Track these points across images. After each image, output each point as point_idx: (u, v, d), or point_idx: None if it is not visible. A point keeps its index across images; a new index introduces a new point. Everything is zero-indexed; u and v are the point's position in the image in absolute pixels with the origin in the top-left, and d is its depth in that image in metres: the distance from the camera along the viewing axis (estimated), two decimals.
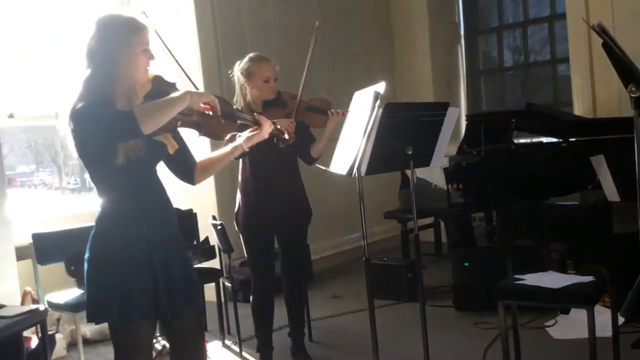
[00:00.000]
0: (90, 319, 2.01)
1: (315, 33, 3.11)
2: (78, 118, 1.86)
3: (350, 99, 2.83)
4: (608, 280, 2.88)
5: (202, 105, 1.99)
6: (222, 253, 3.84)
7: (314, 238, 5.24)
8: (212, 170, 2.26)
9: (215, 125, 2.14)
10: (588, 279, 2.86)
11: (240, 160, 3.16)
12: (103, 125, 1.82)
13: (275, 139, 2.50)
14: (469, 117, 4.80)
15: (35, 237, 3.62)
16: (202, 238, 3.96)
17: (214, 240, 3.84)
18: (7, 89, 4.21)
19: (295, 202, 3.25)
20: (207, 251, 3.85)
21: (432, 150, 2.81)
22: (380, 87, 2.57)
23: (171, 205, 2.11)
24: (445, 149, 2.86)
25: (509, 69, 6.74)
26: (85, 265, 1.99)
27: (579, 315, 3.37)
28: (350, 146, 2.66)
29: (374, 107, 2.53)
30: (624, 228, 3.38)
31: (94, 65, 1.93)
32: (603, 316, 3.14)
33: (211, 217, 3.81)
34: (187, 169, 2.20)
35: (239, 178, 3.25)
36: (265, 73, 3.10)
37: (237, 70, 3.16)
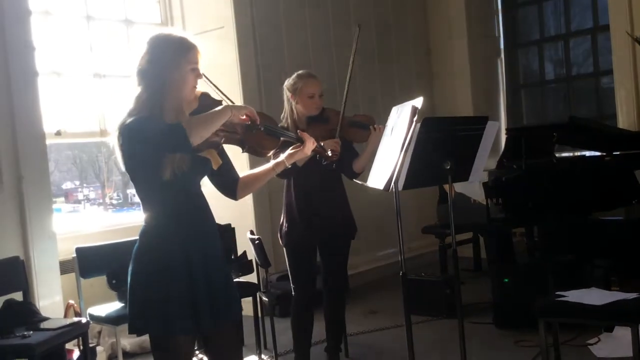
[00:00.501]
0: (132, 331, 2.05)
1: (356, 38, 3.19)
2: (127, 133, 1.92)
3: (389, 113, 2.83)
4: None
5: (241, 117, 2.05)
6: (259, 267, 3.87)
7: (351, 253, 5.27)
8: (254, 186, 2.29)
9: (257, 141, 2.18)
10: (633, 295, 2.78)
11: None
12: (152, 139, 1.88)
13: (318, 156, 2.51)
14: (509, 131, 4.75)
15: (79, 251, 3.72)
16: (239, 252, 3.99)
17: (252, 255, 3.87)
18: (53, 107, 4.36)
19: (338, 218, 3.28)
20: (245, 265, 3.88)
21: (470, 165, 2.78)
22: (418, 101, 2.56)
23: (213, 220, 2.15)
24: (484, 163, 2.83)
25: (551, 82, 6.64)
26: (129, 279, 2.03)
27: (623, 333, 3.27)
28: (387, 161, 2.66)
29: (412, 121, 2.53)
30: None
31: (145, 84, 1.99)
32: None
33: (249, 232, 3.85)
34: (230, 185, 2.24)
35: (284, 195, 3.30)
36: (311, 89, 3.17)
37: (285, 87, 3.25)
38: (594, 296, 2.81)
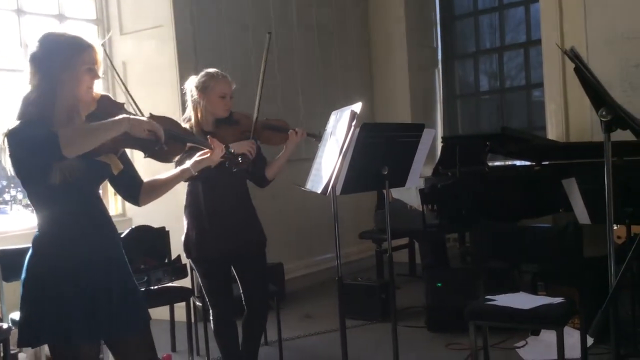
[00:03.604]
0: (21, 343, 1.96)
1: (267, 45, 2.98)
2: (11, 138, 1.85)
3: (328, 118, 2.84)
4: (578, 301, 2.92)
5: (146, 132, 1.92)
6: (193, 272, 3.80)
7: (288, 258, 5.28)
8: (159, 192, 2.19)
9: (160, 149, 2.05)
10: (558, 300, 2.89)
11: (187, 183, 3.00)
12: (30, 146, 1.80)
13: (227, 163, 2.35)
14: (444, 139, 4.87)
15: (1, 253, 3.54)
16: (174, 256, 3.91)
17: (186, 259, 3.79)
18: None
19: (249, 229, 3.07)
20: (179, 270, 3.79)
21: (407, 171, 2.82)
22: (357, 107, 2.58)
23: (113, 226, 2.07)
24: (420, 170, 2.88)
25: (485, 94, 6.85)
26: (21, 289, 1.94)
27: (549, 337, 3.40)
28: (326, 165, 2.67)
29: (350, 126, 2.54)
30: (594, 250, 3.43)
31: (34, 83, 1.90)
32: (572, 338, 3.17)
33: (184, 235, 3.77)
34: (132, 190, 2.16)
35: (186, 202, 3.06)
36: (222, 89, 2.97)
37: (192, 84, 3.00)
38: (522, 300, 2.90)
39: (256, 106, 3.01)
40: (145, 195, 2.16)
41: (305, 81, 5.80)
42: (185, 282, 3.87)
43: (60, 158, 1.80)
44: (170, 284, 3.75)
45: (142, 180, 2.17)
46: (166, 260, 3.91)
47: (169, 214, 3.76)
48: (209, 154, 2.21)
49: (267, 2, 5.49)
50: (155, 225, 3.98)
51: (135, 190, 2.15)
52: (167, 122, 2.09)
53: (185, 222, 3.08)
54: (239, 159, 2.35)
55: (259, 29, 5.34)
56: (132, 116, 1.94)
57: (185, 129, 2.38)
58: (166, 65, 4.64)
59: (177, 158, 2.27)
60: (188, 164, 2.20)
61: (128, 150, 2.12)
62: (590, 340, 3.14)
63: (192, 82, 3.02)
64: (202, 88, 2.97)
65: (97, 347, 2.04)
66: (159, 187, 2.19)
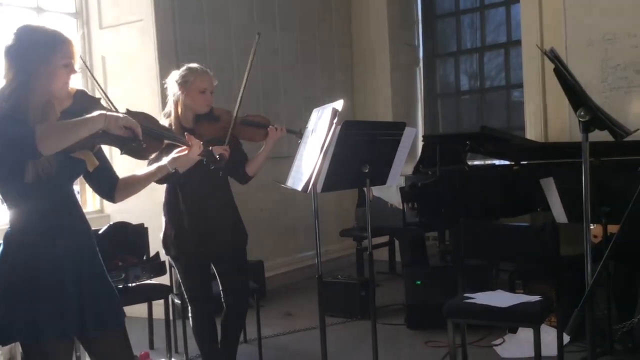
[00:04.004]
0: None
1: (255, 45, 2.96)
2: None
3: (310, 115, 2.83)
4: (555, 300, 2.95)
5: (122, 128, 1.88)
6: (172, 269, 3.77)
7: (268, 255, 5.27)
8: (134, 189, 2.16)
9: (137, 146, 2.02)
10: (535, 298, 2.92)
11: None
12: (5, 142, 1.75)
13: (205, 160, 2.31)
14: (425, 138, 4.89)
15: None
16: (152, 253, 3.88)
17: (165, 256, 3.76)
18: None
19: (230, 226, 3.05)
20: (157, 267, 3.76)
21: (388, 169, 2.83)
22: (339, 104, 2.58)
23: (87, 223, 2.04)
24: (401, 168, 2.89)
25: (465, 93, 6.90)
26: None
27: (526, 334, 3.43)
28: (307, 162, 2.67)
29: (332, 124, 2.54)
30: (571, 249, 3.48)
31: (9, 77, 1.86)
32: (549, 335, 3.21)
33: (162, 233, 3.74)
34: (107, 187, 2.12)
35: (165, 199, 3.02)
36: (203, 84, 2.93)
37: (172, 79, 2.98)
38: (500, 298, 2.93)
39: (237, 103, 2.99)
40: (120, 193, 2.13)
41: (287, 79, 5.79)
42: (164, 280, 3.85)
43: (36, 156, 1.76)
44: (148, 281, 3.72)
45: (117, 177, 2.14)
46: (144, 258, 3.88)
47: (148, 210, 3.72)
48: (186, 151, 2.18)
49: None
50: (134, 222, 3.94)
51: (111, 187, 2.12)
52: (144, 119, 2.05)
53: (163, 220, 3.05)
54: (217, 156, 2.32)
55: (241, 26, 5.31)
56: (108, 112, 1.90)
57: (162, 125, 2.34)
58: (146, 60, 4.59)
59: (153, 155, 2.23)
60: (165, 160, 2.17)
61: (105, 147, 2.09)
62: (566, 338, 3.18)
63: (173, 77, 2.99)
64: (182, 82, 2.94)
65: (70, 345, 2.01)
66: (135, 184, 2.16)
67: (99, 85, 2.18)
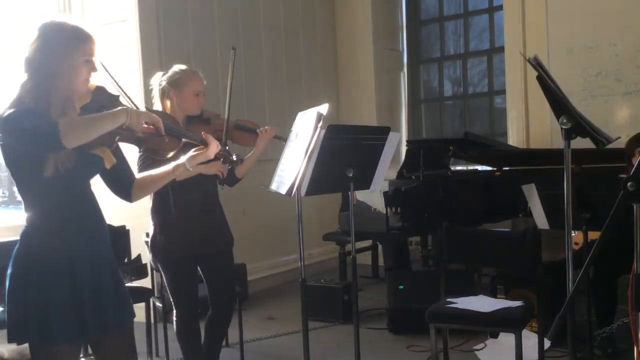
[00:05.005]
0: (11, 340, 1.91)
1: (232, 60, 2.90)
2: (5, 126, 1.78)
3: (294, 119, 2.83)
4: (536, 305, 2.97)
5: (144, 125, 1.90)
6: (154, 272, 3.74)
7: (251, 258, 5.24)
8: (151, 188, 2.18)
9: (157, 143, 2.05)
10: (517, 303, 2.94)
11: None
12: (28, 135, 1.75)
13: (222, 159, 2.36)
14: (409, 143, 4.91)
15: None
16: (134, 256, 3.84)
17: (147, 258, 3.73)
18: None
19: (217, 229, 3.04)
20: (139, 269, 3.72)
21: (372, 174, 2.84)
22: (324, 108, 2.58)
23: (103, 221, 2.03)
24: (385, 172, 2.90)
25: (449, 99, 6.94)
26: (7, 283, 1.89)
27: (507, 339, 3.46)
28: (291, 166, 2.66)
29: (316, 127, 2.54)
30: (552, 255, 3.51)
31: (31, 72, 1.86)
32: (530, 340, 3.23)
33: (144, 235, 3.70)
34: (124, 186, 2.12)
35: (153, 202, 2.99)
36: (197, 86, 2.93)
37: (162, 80, 2.95)
38: (481, 303, 2.95)
39: (226, 108, 2.95)
40: (137, 191, 2.12)
41: (271, 81, 5.78)
42: (145, 282, 3.81)
43: (59, 148, 1.75)
44: (129, 284, 3.68)
45: (134, 176, 2.14)
46: (126, 260, 3.84)
47: (130, 212, 3.66)
48: (204, 150, 2.20)
49: (234, 1, 5.45)
50: (115, 224, 3.89)
51: (128, 186, 2.11)
52: (163, 116, 2.06)
53: (152, 223, 3.02)
54: (233, 156, 2.36)
55: (226, 28, 5.30)
56: (130, 108, 1.91)
57: (179, 125, 2.36)
58: (129, 61, 4.55)
59: (171, 154, 2.23)
60: (183, 159, 2.17)
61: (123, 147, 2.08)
62: (547, 343, 3.20)
63: (161, 77, 2.97)
64: (176, 84, 2.92)
65: (78, 349, 2.01)
66: (152, 183, 2.16)
67: (116, 82, 2.17)
